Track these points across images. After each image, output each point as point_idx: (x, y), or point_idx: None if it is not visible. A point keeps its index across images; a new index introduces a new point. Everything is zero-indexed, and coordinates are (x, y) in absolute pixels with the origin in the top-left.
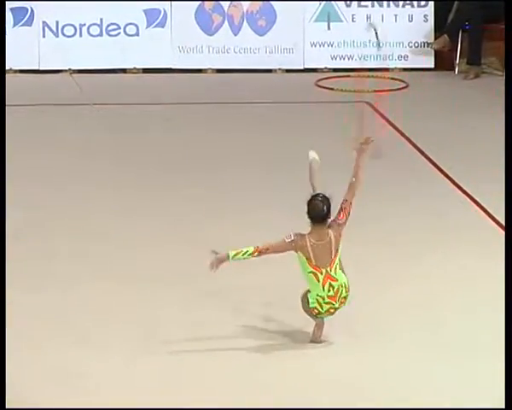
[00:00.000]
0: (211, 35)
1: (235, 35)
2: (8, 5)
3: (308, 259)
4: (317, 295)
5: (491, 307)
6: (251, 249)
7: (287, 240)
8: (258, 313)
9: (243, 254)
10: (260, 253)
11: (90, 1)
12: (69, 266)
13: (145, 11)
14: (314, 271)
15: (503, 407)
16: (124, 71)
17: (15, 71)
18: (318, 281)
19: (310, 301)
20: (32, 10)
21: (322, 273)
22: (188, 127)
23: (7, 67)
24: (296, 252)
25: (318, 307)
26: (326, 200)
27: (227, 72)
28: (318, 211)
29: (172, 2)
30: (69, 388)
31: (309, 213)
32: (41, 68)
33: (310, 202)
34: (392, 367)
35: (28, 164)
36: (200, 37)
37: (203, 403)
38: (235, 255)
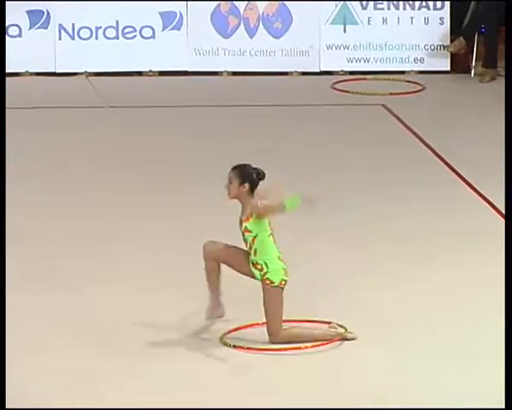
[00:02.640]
0: (227, 38)
1: (251, 37)
2: (25, 8)
3: (269, 222)
4: (278, 258)
5: (499, 311)
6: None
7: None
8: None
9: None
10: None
11: (107, 1)
12: (74, 267)
13: (161, 14)
14: (271, 231)
15: (503, 407)
16: (139, 74)
17: (31, 73)
18: (274, 242)
19: (275, 278)
20: (48, 13)
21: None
22: (203, 130)
23: (23, 70)
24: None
25: (284, 276)
26: None
27: (243, 74)
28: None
29: (188, 5)
30: (74, 390)
31: (257, 176)
32: (57, 71)
33: (250, 168)
34: (397, 367)
35: (42, 165)
36: (216, 39)
37: (207, 403)
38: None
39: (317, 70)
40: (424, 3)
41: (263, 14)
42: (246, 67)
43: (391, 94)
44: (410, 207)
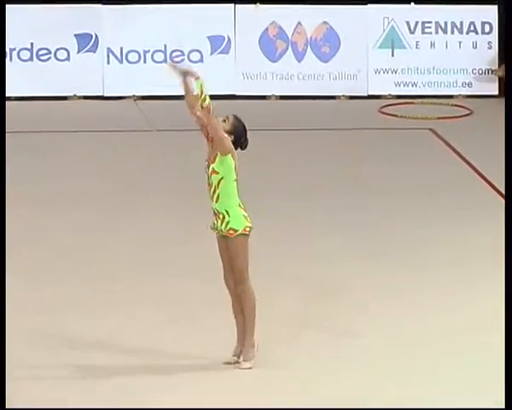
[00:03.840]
0: (275, 61)
1: (299, 61)
2: (73, 31)
3: (235, 167)
4: (239, 205)
5: None
6: (205, 99)
7: (226, 135)
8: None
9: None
10: (205, 109)
11: (155, 25)
12: (125, 291)
13: (209, 38)
14: (236, 177)
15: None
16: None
17: (79, 97)
18: (237, 189)
19: (238, 225)
20: (96, 36)
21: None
22: (249, 155)
23: (71, 94)
24: (226, 155)
25: (247, 222)
26: None
27: (291, 98)
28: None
29: (236, 29)
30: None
31: (242, 141)
32: (105, 95)
33: (245, 132)
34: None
35: (87, 189)
36: (264, 63)
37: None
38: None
39: (365, 94)
40: (472, 27)
41: (311, 38)
42: (294, 91)
43: (438, 118)
44: (456, 231)
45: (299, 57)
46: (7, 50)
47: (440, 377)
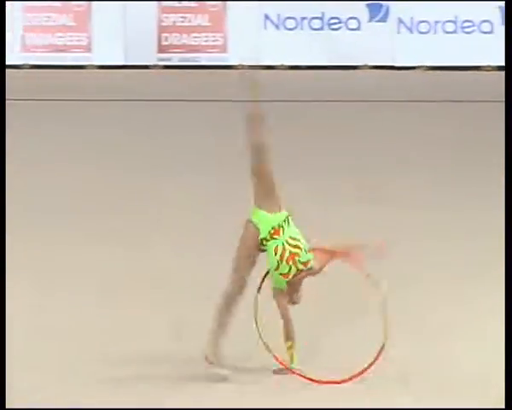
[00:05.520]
0: None
1: None
2: (365, 1)
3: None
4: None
5: None
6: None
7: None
8: None
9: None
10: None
11: None
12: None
13: (500, 8)
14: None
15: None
16: (477, 68)
17: (370, 67)
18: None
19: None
20: (387, 6)
21: None
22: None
23: (361, 63)
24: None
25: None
26: None
27: None
28: None
29: None
30: None
31: None
32: (395, 65)
33: None
34: None
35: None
36: None
37: None
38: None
39: None
40: None
41: None
42: None
43: None
44: None
45: None
46: (298, 19)
47: None
